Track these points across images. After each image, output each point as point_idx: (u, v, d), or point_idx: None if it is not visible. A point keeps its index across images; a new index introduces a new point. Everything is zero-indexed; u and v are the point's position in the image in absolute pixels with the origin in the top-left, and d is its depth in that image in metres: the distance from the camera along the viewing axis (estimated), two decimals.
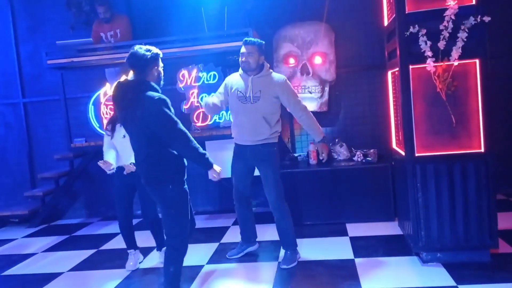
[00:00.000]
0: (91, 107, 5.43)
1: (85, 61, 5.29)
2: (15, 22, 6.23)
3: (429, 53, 3.23)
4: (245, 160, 3.73)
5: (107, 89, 5.39)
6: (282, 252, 3.90)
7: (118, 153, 3.76)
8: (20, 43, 6.24)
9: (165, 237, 3.01)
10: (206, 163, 2.94)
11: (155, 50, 2.89)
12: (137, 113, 2.75)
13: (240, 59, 3.63)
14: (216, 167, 3.04)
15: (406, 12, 3.34)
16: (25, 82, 6.26)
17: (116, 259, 4.24)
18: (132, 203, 3.91)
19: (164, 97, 2.79)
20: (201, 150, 2.89)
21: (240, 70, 3.71)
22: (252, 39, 3.64)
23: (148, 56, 2.82)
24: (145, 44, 5.13)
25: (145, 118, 2.73)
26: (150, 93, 2.77)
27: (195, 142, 2.84)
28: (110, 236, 5.08)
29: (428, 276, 3.28)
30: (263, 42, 3.67)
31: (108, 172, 3.64)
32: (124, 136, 3.59)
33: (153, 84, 2.85)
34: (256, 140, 3.62)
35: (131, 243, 3.97)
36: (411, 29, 3.25)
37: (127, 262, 3.96)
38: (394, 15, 3.48)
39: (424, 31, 3.24)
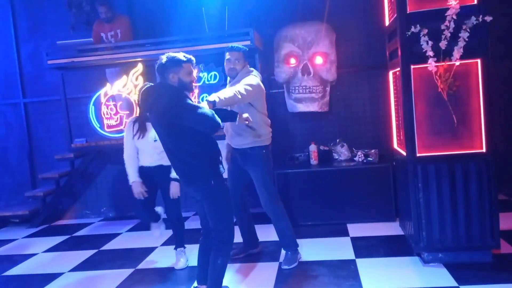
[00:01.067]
0: (91, 107, 5.42)
1: (85, 61, 5.28)
2: (16, 22, 6.23)
3: (431, 53, 3.23)
4: (237, 162, 3.77)
5: (108, 89, 5.39)
6: (283, 252, 3.89)
7: (142, 154, 3.78)
8: (21, 43, 6.24)
9: (213, 232, 3.01)
10: (232, 114, 3.11)
11: (179, 56, 2.82)
12: (159, 114, 2.80)
13: (226, 66, 3.61)
14: (243, 114, 3.16)
15: (408, 12, 3.34)
16: (25, 82, 6.26)
17: (117, 259, 4.24)
18: (155, 205, 3.96)
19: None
20: (226, 110, 3.16)
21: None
22: (239, 45, 3.64)
23: (163, 61, 2.82)
24: (146, 44, 5.19)
25: (166, 114, 2.76)
26: (167, 92, 2.81)
27: (214, 113, 2.80)
28: (111, 237, 5.07)
29: (430, 276, 3.27)
30: (247, 49, 3.68)
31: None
32: (156, 141, 3.60)
33: (174, 87, 2.84)
34: (242, 144, 3.63)
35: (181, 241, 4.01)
36: (413, 29, 3.24)
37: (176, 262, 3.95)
38: (396, 15, 3.48)
39: (425, 31, 3.23)
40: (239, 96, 3.21)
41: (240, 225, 3.98)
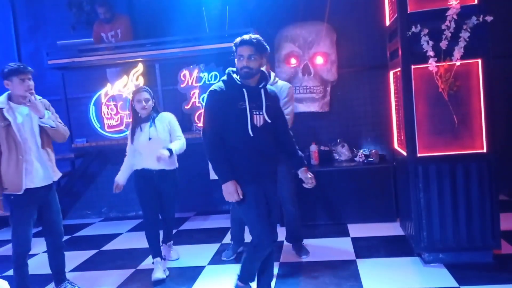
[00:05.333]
0: (92, 108, 5.42)
1: (86, 61, 5.28)
2: (16, 22, 6.23)
3: (431, 53, 3.23)
4: None
5: (108, 89, 5.38)
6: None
7: (142, 156, 3.71)
8: (21, 43, 6.24)
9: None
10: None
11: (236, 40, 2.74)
12: None
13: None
14: None
15: (408, 12, 3.33)
16: None
17: (117, 260, 4.24)
18: (158, 208, 3.84)
19: (211, 88, 2.75)
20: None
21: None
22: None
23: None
24: (147, 44, 5.19)
25: None
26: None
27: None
28: (111, 237, 5.07)
29: (430, 277, 3.27)
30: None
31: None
32: (150, 139, 3.63)
33: (230, 72, 2.77)
34: None
35: (157, 251, 3.75)
36: (413, 29, 3.24)
37: (154, 272, 3.65)
38: (396, 15, 3.47)
39: (426, 31, 3.23)
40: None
41: (232, 221, 4.03)
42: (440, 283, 3.14)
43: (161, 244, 3.95)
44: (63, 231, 3.51)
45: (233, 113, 2.66)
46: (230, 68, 2.77)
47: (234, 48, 2.70)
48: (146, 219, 3.79)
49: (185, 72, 5.35)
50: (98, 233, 5.32)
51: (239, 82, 2.70)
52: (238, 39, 2.70)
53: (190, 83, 5.33)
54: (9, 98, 3.20)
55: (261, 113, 2.71)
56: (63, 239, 3.56)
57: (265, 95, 2.75)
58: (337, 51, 5.29)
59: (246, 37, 2.67)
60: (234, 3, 5.28)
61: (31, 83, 3.20)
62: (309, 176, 2.91)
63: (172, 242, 4.18)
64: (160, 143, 3.65)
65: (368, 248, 3.99)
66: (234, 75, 2.73)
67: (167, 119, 3.78)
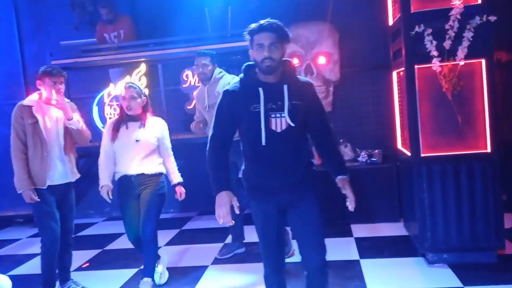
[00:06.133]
0: (95, 108, 5.42)
1: (89, 62, 5.30)
2: (19, 23, 6.24)
3: (435, 53, 3.22)
4: None
5: (111, 90, 5.39)
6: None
7: (120, 160, 3.38)
8: (24, 44, 6.24)
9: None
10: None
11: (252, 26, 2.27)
12: None
13: (196, 71, 3.88)
14: None
15: (412, 12, 3.33)
16: (29, 83, 6.25)
17: (121, 259, 4.24)
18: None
19: (226, 87, 2.36)
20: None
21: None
22: (205, 51, 3.94)
23: None
24: (149, 44, 5.19)
25: None
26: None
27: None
28: (114, 236, 5.08)
29: (434, 277, 3.26)
30: (215, 53, 3.94)
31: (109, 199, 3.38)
32: (138, 141, 3.33)
33: (247, 67, 2.33)
34: None
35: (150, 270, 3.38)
36: (417, 29, 3.24)
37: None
38: (399, 15, 3.47)
39: (429, 30, 3.22)
40: None
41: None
42: (444, 283, 3.14)
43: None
44: (73, 228, 3.53)
45: (246, 117, 2.22)
46: (248, 63, 2.32)
47: (248, 37, 2.24)
48: (128, 236, 3.46)
49: (188, 72, 5.35)
50: (101, 233, 5.34)
51: (256, 79, 2.26)
52: (254, 25, 2.23)
53: (192, 83, 5.33)
54: (39, 98, 3.33)
55: (282, 115, 2.19)
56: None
57: (289, 93, 2.23)
58: (340, 51, 5.28)
59: (264, 22, 2.21)
60: (236, 3, 5.28)
61: (62, 86, 3.32)
62: (348, 191, 2.48)
63: (152, 281, 3.36)
64: (147, 148, 3.34)
65: (372, 248, 3.98)
66: (251, 71, 2.28)
67: (161, 125, 3.47)
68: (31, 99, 3.31)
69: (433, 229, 3.39)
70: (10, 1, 6.17)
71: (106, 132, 3.45)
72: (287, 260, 2.73)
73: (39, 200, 3.23)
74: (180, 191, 3.54)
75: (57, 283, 3.47)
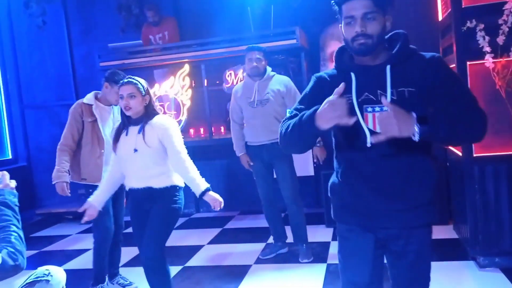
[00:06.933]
0: None
1: (135, 63, 5.42)
2: (69, 26, 6.48)
3: (488, 49, 3.10)
4: (262, 159, 3.89)
5: (156, 90, 5.50)
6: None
7: (125, 172, 2.87)
8: (74, 46, 6.48)
9: None
10: None
11: None
12: None
13: (248, 65, 3.84)
14: None
15: (463, 6, 3.22)
16: (78, 84, 6.50)
17: (173, 256, 4.29)
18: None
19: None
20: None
21: (245, 76, 3.99)
22: (259, 45, 3.90)
23: None
24: (193, 45, 5.26)
25: None
26: None
27: None
28: None
29: (485, 281, 3.15)
30: (266, 49, 3.92)
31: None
32: (136, 151, 2.72)
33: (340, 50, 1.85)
34: (272, 138, 3.75)
35: None
36: (468, 24, 3.13)
37: None
38: (450, 10, 3.36)
39: (482, 26, 3.11)
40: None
41: (269, 221, 4.07)
42: None
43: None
44: (124, 225, 3.64)
45: None
46: (341, 46, 1.82)
47: (336, 7, 1.72)
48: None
49: (230, 72, 5.39)
50: None
51: (349, 63, 1.74)
52: None
53: (235, 83, 5.37)
54: (96, 97, 3.46)
55: (382, 109, 1.57)
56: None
57: (395, 77, 1.62)
58: None
59: None
60: (279, 2, 5.26)
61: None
62: None
63: None
64: (149, 157, 2.72)
65: None
66: (345, 55, 1.78)
67: (163, 124, 2.75)
68: (91, 97, 3.44)
69: (485, 232, 3.27)
70: (61, 6, 6.42)
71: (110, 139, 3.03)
72: None
73: (70, 194, 3.33)
74: (211, 199, 2.73)
75: (106, 278, 3.58)
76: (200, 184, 2.73)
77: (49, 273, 2.04)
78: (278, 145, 3.60)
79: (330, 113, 1.52)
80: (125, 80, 2.77)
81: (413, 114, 1.50)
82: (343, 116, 1.51)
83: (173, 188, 2.80)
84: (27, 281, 2.00)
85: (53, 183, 3.30)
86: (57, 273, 2.09)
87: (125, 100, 2.71)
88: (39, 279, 1.99)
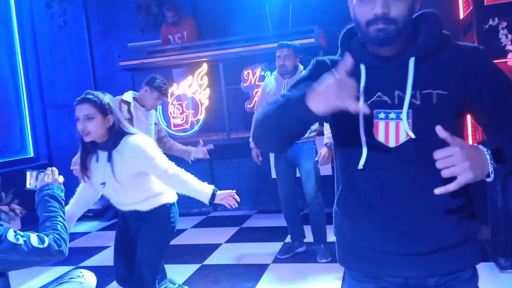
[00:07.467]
0: (159, 107, 5.60)
1: (154, 62, 5.47)
2: (89, 26, 6.58)
3: (511, 47, 3.06)
4: (286, 159, 3.87)
5: (174, 89, 5.55)
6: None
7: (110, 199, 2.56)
8: (94, 46, 6.58)
9: None
10: None
11: None
12: None
13: (277, 62, 3.78)
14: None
15: (485, 4, 3.17)
16: (98, 83, 6.59)
17: (184, 255, 4.34)
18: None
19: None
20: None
21: (276, 73, 3.90)
22: (289, 42, 3.80)
23: None
24: (211, 44, 5.29)
25: None
26: None
27: None
28: (177, 232, 5.19)
29: (507, 283, 3.10)
30: (297, 45, 3.84)
31: None
32: (103, 184, 2.37)
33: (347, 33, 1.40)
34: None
35: None
36: (491, 22, 3.09)
37: None
38: (471, 8, 3.32)
39: (504, 24, 3.08)
40: None
41: (288, 220, 4.06)
42: None
43: None
44: None
45: (336, 114, 1.09)
46: (349, 26, 1.32)
47: None
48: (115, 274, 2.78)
49: (248, 71, 5.40)
50: None
51: (360, 51, 1.25)
52: None
53: (253, 82, 5.38)
54: (134, 98, 3.57)
55: (399, 117, 1.16)
56: None
57: (420, 74, 1.16)
58: None
59: None
60: (297, 1, 5.25)
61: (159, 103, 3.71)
62: None
63: None
64: (123, 190, 2.38)
65: None
66: (355, 40, 1.29)
67: (135, 152, 2.28)
68: (129, 96, 3.53)
69: (507, 233, 3.21)
70: (81, 6, 6.52)
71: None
72: None
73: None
74: (221, 199, 2.42)
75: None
76: (204, 190, 2.40)
77: (83, 275, 2.16)
78: (303, 144, 3.56)
79: (332, 91, 1.03)
80: (80, 98, 2.28)
81: (481, 148, 1.07)
82: (348, 98, 1.02)
83: (163, 208, 2.54)
84: (62, 281, 2.09)
85: (72, 168, 2.66)
86: (89, 277, 2.18)
87: (81, 123, 2.22)
88: (73, 280, 2.09)
